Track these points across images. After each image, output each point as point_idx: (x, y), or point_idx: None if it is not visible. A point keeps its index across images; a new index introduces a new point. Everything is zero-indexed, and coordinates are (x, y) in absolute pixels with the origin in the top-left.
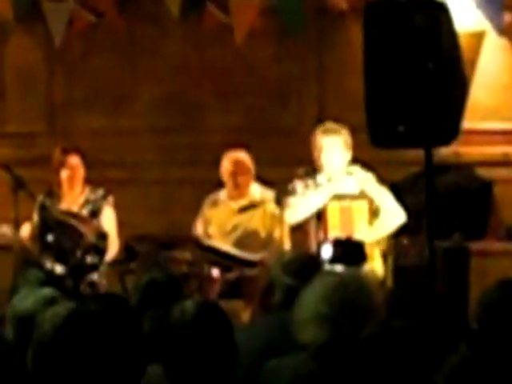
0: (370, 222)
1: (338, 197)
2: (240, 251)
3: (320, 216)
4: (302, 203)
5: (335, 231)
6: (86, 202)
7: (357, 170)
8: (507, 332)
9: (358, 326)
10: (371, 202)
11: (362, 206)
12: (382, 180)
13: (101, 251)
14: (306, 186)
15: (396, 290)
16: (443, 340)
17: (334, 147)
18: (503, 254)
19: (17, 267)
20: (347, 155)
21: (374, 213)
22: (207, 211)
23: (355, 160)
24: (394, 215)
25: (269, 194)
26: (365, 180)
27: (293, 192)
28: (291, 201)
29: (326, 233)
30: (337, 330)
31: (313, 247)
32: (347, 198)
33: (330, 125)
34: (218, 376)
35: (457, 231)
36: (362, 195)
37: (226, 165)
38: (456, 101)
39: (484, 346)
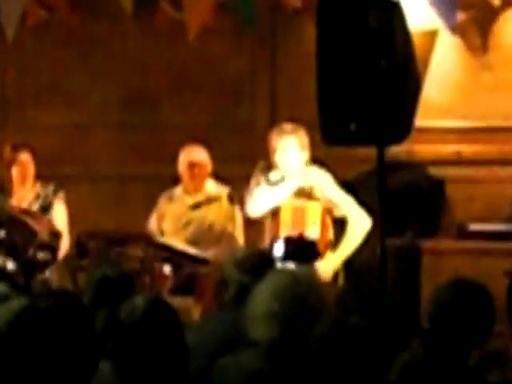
0: (324, 225)
1: (297, 193)
2: (192, 248)
3: (274, 213)
4: (263, 197)
5: (286, 230)
6: (37, 197)
7: (314, 170)
8: (458, 330)
9: (308, 324)
10: (326, 203)
11: (315, 208)
12: (335, 178)
13: (53, 249)
14: (258, 184)
15: (347, 289)
16: (394, 338)
17: (288, 148)
18: (455, 253)
19: None
20: (303, 155)
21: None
22: (162, 206)
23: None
24: (360, 225)
25: (224, 191)
26: (324, 182)
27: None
28: (253, 193)
29: (277, 231)
30: (288, 327)
31: (266, 244)
32: (303, 197)
33: (285, 125)
34: (168, 374)
35: (409, 229)
36: (316, 196)
37: (183, 157)
38: (408, 99)
39: (435, 344)
